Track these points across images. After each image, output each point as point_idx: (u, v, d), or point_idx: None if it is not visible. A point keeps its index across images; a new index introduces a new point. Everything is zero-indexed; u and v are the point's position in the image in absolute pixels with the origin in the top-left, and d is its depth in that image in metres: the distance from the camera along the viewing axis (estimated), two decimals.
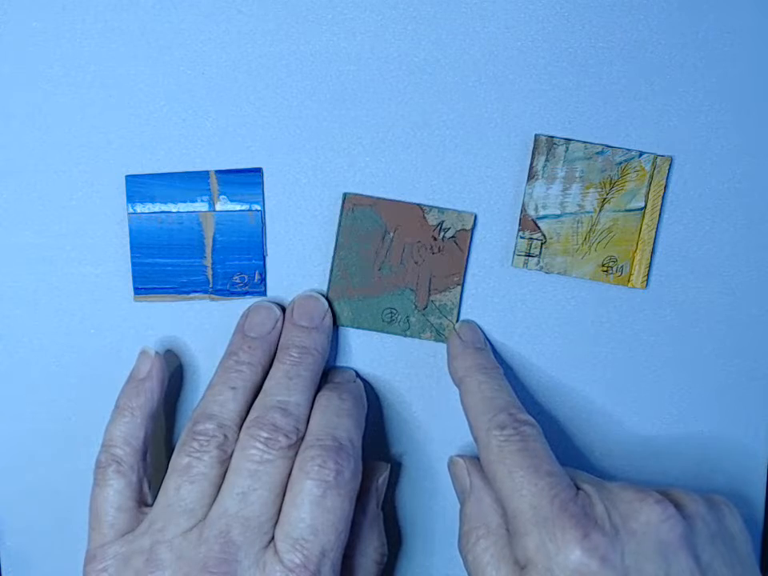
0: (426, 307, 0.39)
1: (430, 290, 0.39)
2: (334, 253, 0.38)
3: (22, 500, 0.40)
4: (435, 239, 0.38)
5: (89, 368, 0.39)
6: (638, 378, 0.40)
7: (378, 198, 0.38)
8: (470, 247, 0.38)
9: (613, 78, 0.38)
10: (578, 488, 0.33)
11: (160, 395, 0.37)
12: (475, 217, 0.38)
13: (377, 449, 0.40)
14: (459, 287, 0.39)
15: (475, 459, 0.37)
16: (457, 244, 0.38)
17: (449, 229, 0.38)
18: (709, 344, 0.39)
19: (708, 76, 0.38)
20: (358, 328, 0.39)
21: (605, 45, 0.38)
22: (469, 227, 0.38)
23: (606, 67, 0.38)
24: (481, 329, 0.39)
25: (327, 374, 0.39)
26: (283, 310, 0.38)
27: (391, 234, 0.38)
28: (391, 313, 0.39)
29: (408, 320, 0.39)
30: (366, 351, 0.40)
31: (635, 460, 0.40)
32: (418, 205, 0.38)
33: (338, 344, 0.40)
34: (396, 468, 0.40)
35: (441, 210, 0.38)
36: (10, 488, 0.40)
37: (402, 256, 0.38)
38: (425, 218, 0.38)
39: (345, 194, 0.38)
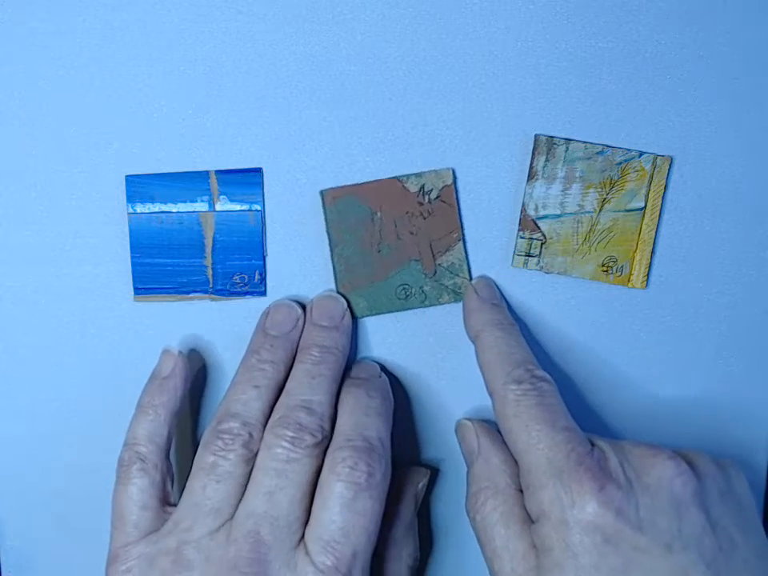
0: (436, 272, 0.38)
1: (434, 255, 0.38)
2: (331, 250, 0.38)
3: (22, 500, 0.40)
4: (422, 204, 0.38)
5: (89, 368, 0.39)
6: (638, 379, 0.40)
7: (355, 184, 0.38)
8: (458, 201, 0.38)
9: (613, 77, 0.38)
10: (593, 444, 0.33)
11: (183, 393, 0.37)
12: (453, 171, 0.38)
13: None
14: (461, 242, 0.38)
15: (483, 422, 0.37)
16: (444, 202, 0.38)
17: (431, 190, 0.37)
18: (709, 344, 0.39)
19: (708, 76, 0.38)
20: (377, 314, 0.39)
21: (605, 45, 0.38)
22: (450, 182, 0.38)
23: (605, 67, 0.38)
24: (498, 287, 0.39)
25: (350, 368, 0.38)
26: (303, 308, 0.38)
27: (379, 214, 0.38)
28: (404, 289, 0.38)
29: (422, 290, 0.39)
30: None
31: None
32: (395, 177, 0.38)
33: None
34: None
35: (418, 175, 0.38)
36: (9, 488, 0.40)
37: (396, 231, 0.38)
38: (405, 187, 0.38)
39: (321, 191, 0.38)
